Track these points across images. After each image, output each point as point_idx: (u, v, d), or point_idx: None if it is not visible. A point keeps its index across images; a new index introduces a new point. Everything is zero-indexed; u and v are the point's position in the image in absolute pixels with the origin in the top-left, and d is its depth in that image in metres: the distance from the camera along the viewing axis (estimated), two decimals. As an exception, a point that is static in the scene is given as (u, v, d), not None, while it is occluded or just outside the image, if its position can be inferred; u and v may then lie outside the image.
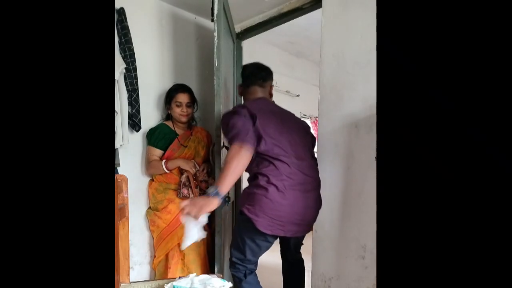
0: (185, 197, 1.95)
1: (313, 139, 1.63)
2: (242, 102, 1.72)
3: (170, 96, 2.02)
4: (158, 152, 1.99)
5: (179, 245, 1.94)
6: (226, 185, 1.30)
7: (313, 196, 1.48)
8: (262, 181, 1.37)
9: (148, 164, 2.01)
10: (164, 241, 1.97)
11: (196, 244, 1.95)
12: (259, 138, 1.37)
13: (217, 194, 1.28)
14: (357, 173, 1.62)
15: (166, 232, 1.96)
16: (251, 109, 1.42)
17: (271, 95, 1.67)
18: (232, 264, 1.52)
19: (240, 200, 1.52)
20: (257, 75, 1.60)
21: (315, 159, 1.58)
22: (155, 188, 2.03)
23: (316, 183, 1.52)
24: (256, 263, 1.54)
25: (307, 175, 1.45)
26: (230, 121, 1.39)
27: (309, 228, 1.53)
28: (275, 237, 1.46)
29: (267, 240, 1.44)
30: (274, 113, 1.51)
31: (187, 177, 1.94)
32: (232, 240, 1.57)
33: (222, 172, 1.32)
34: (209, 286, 1.12)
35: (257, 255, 1.51)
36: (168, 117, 2.09)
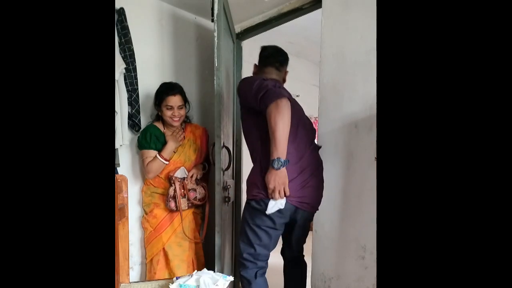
0: (171, 210, 1.90)
1: (313, 131, 1.66)
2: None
3: (159, 99, 1.88)
4: (153, 153, 1.88)
5: (164, 250, 1.90)
6: (283, 149, 1.29)
7: (317, 179, 1.54)
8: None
9: (146, 168, 1.88)
10: (150, 245, 1.93)
11: (181, 249, 1.91)
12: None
13: (281, 162, 1.29)
14: (357, 173, 1.62)
15: (152, 237, 1.92)
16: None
17: (284, 80, 1.70)
18: (242, 264, 1.51)
19: (247, 190, 1.51)
20: (276, 57, 1.63)
21: (316, 147, 1.63)
22: (144, 191, 2.01)
23: (318, 169, 1.57)
24: (267, 260, 1.55)
25: (311, 161, 1.51)
26: (256, 83, 1.38)
27: (314, 208, 1.59)
28: (283, 224, 1.49)
29: (277, 226, 1.46)
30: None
31: (175, 189, 1.88)
32: (240, 235, 1.57)
33: (273, 139, 1.29)
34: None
35: (268, 247, 1.50)
36: (158, 117, 1.96)
